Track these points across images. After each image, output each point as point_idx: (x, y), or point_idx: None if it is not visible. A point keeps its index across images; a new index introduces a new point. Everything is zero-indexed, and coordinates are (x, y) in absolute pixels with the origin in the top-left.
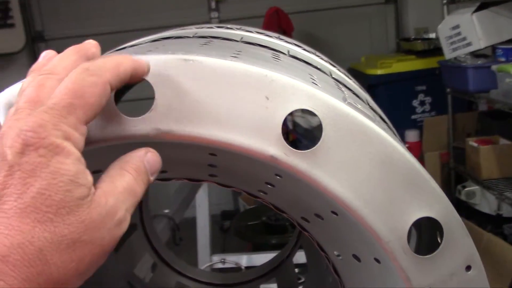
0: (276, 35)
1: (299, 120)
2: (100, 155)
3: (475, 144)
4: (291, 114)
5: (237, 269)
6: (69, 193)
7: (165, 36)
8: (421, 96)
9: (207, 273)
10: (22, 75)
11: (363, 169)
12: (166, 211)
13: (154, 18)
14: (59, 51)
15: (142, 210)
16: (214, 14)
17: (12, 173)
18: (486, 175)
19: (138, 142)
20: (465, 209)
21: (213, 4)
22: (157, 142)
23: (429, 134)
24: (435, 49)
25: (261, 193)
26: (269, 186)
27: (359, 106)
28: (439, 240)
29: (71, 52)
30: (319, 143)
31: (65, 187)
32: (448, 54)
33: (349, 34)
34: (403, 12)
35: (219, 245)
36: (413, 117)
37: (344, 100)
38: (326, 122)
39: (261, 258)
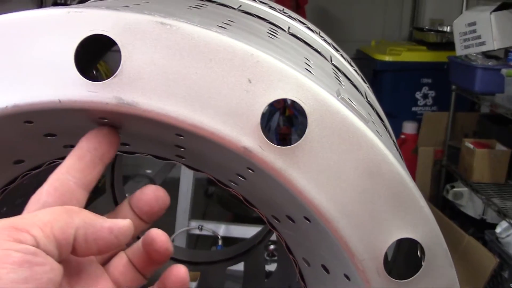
0: (281, 7)
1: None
2: (54, 118)
3: (471, 146)
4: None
5: (213, 238)
6: None
7: None
8: (425, 89)
9: (173, 248)
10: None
11: (346, 176)
12: (149, 171)
13: None
14: None
15: (114, 173)
16: None
17: None
18: (476, 178)
19: (97, 109)
20: (450, 209)
21: None
22: (119, 112)
23: (426, 128)
24: (447, 43)
25: (232, 183)
26: (240, 178)
27: (354, 103)
28: (419, 265)
29: None
30: (301, 141)
31: None
32: (460, 51)
33: (363, 16)
34: (421, 0)
35: (200, 211)
36: (414, 109)
37: (338, 94)
38: (312, 118)
39: (240, 230)
